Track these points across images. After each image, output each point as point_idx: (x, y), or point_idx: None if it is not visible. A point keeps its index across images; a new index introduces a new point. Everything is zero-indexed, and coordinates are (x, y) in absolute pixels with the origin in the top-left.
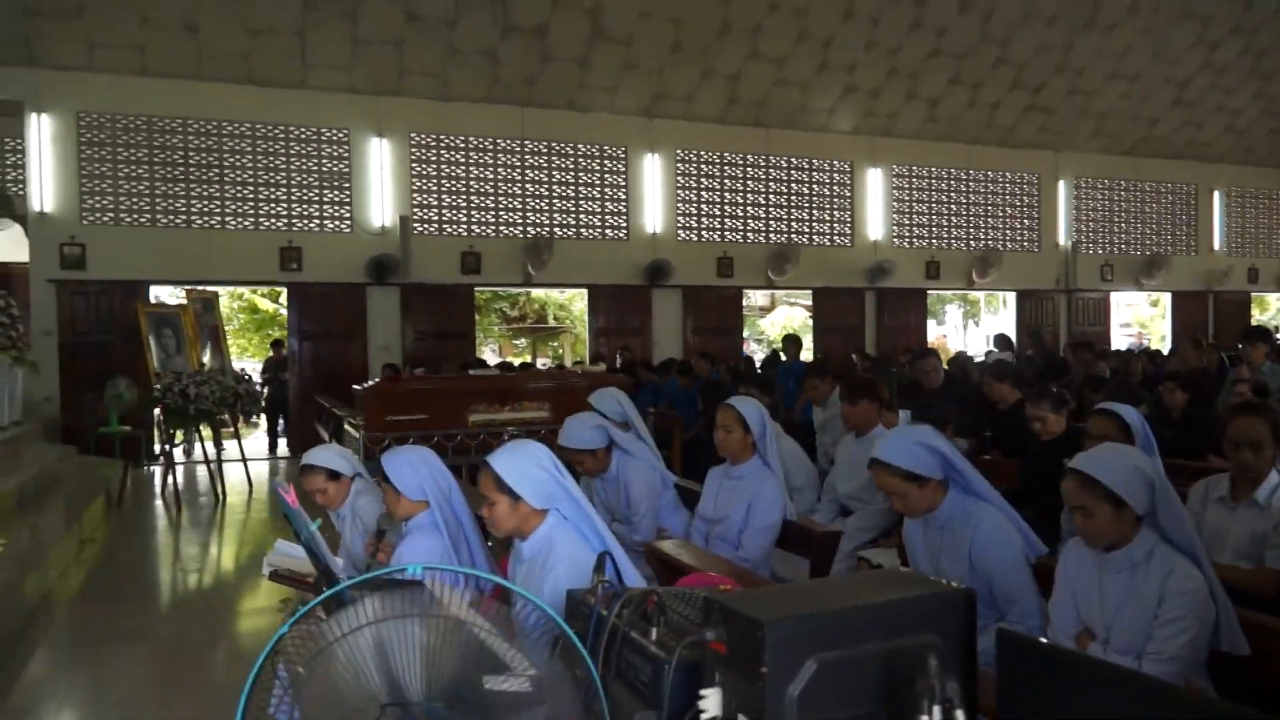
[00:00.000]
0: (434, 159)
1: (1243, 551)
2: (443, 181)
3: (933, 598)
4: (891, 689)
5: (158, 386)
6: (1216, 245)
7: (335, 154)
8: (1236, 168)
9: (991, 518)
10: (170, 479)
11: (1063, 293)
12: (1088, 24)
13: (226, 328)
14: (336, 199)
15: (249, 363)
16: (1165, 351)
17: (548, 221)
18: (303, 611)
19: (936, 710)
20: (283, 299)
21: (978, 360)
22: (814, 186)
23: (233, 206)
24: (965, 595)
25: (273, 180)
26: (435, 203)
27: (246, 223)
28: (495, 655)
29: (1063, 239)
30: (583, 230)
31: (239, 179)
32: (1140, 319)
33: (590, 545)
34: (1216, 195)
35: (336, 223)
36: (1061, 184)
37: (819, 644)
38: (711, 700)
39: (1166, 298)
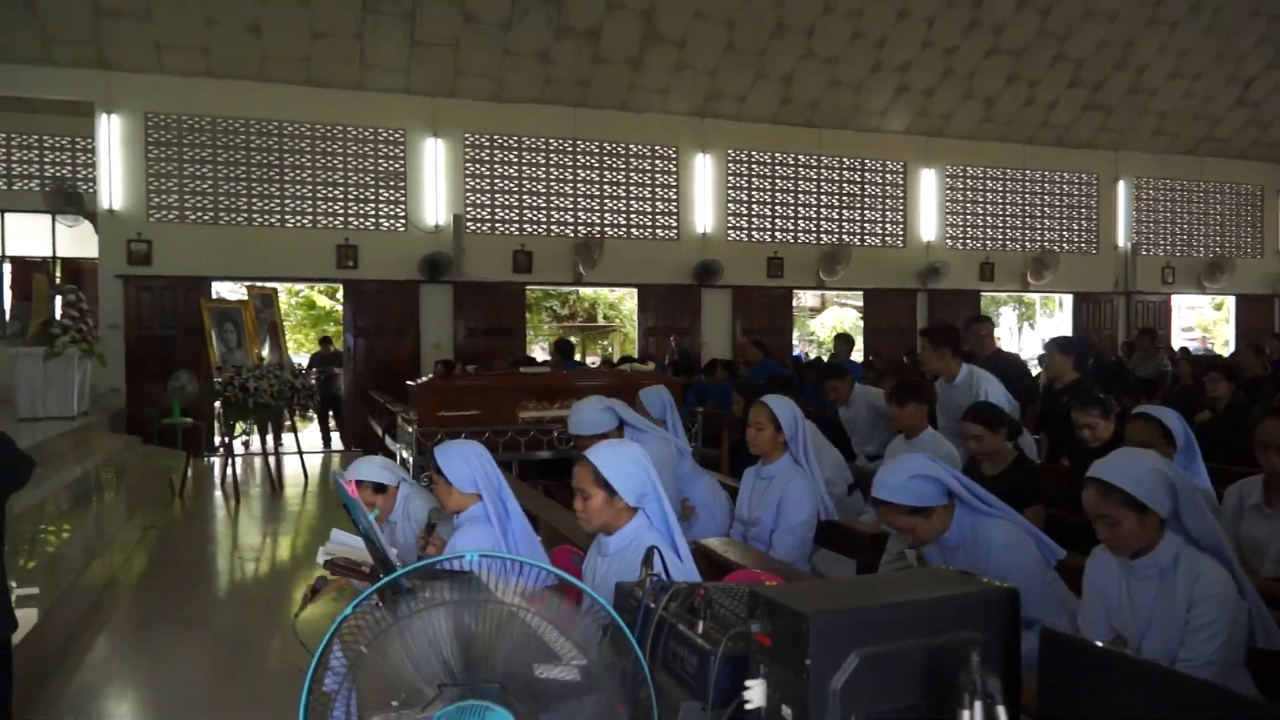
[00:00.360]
0: (487, 159)
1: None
2: (495, 181)
3: (976, 595)
4: (933, 684)
5: (218, 380)
6: None
7: (391, 154)
8: None
9: (1003, 532)
10: (229, 470)
11: (1121, 295)
12: (1149, 21)
13: (284, 323)
14: (392, 198)
15: (303, 358)
16: (1227, 356)
17: (598, 221)
18: (365, 595)
19: (978, 706)
20: (338, 295)
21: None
22: (866, 187)
23: (292, 205)
24: (1008, 594)
25: (330, 179)
26: (488, 202)
27: (305, 221)
28: (546, 644)
29: (1122, 240)
30: (633, 230)
31: (298, 178)
32: (1203, 322)
33: (680, 554)
34: None
35: (391, 221)
36: (1121, 184)
37: (862, 638)
38: (756, 691)
39: (1230, 301)
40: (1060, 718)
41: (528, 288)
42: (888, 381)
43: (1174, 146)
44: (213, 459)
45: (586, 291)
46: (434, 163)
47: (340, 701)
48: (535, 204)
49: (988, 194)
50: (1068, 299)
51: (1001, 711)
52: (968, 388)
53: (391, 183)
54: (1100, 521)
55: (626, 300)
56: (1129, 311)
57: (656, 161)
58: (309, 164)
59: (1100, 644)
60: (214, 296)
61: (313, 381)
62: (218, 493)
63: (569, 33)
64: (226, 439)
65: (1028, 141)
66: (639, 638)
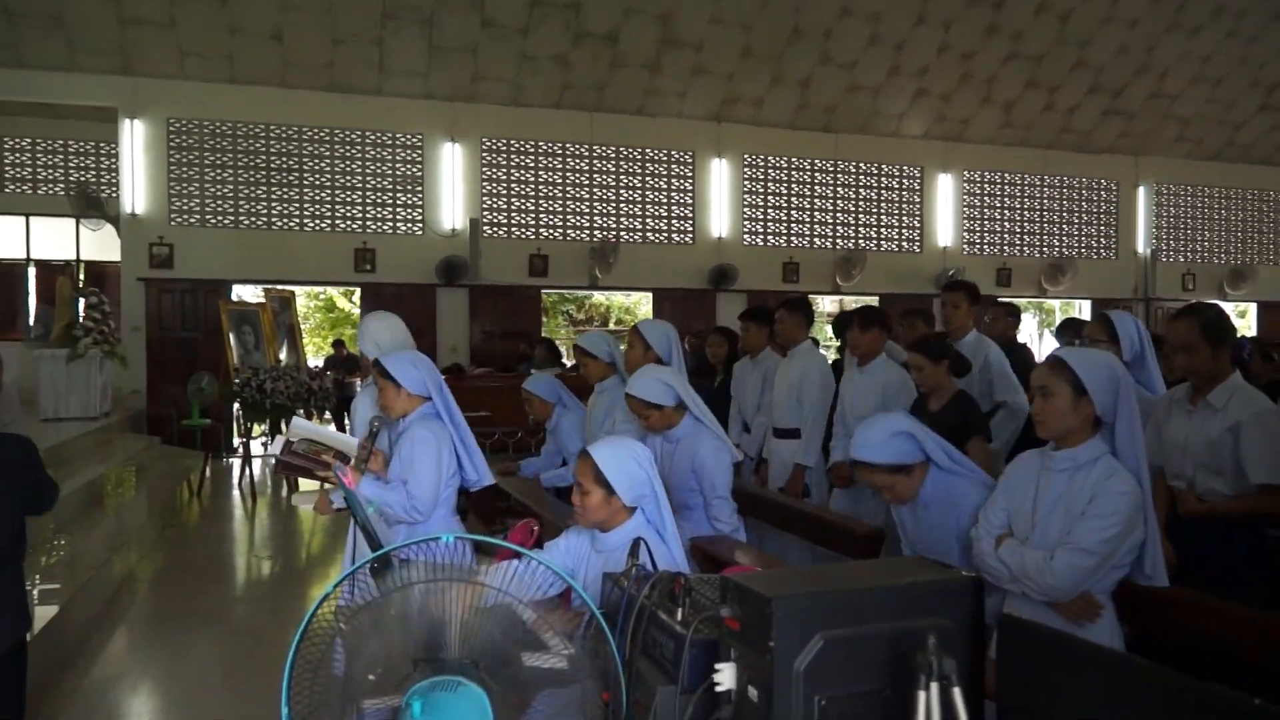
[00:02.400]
0: (504, 163)
1: (1202, 461)
2: (512, 185)
3: (939, 582)
4: (896, 668)
5: (236, 381)
6: None
7: (409, 158)
8: None
9: (976, 493)
10: (247, 471)
11: (1140, 301)
12: (1171, 26)
13: (302, 326)
14: (409, 202)
15: (321, 360)
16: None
17: (614, 225)
18: (347, 572)
19: (934, 687)
20: (356, 298)
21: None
22: (883, 192)
23: (310, 209)
24: (974, 582)
25: (349, 184)
26: (504, 206)
27: (323, 225)
28: (536, 635)
29: (1141, 246)
30: (648, 234)
31: (317, 182)
32: None
33: (671, 552)
34: None
35: (409, 225)
36: (1141, 190)
37: (827, 622)
38: (725, 674)
39: (1253, 308)
40: (1020, 701)
41: (543, 291)
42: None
43: (1196, 152)
44: (231, 460)
45: (601, 295)
46: (451, 167)
47: (324, 674)
48: (551, 208)
49: (1006, 199)
50: (1086, 305)
51: (957, 693)
52: (973, 349)
53: (409, 187)
54: (1038, 393)
55: (642, 304)
56: (1149, 318)
57: (672, 166)
58: (328, 168)
59: (986, 543)
60: (234, 299)
61: (329, 385)
62: (235, 493)
63: (587, 37)
64: (245, 439)
65: (1047, 147)
66: (622, 625)
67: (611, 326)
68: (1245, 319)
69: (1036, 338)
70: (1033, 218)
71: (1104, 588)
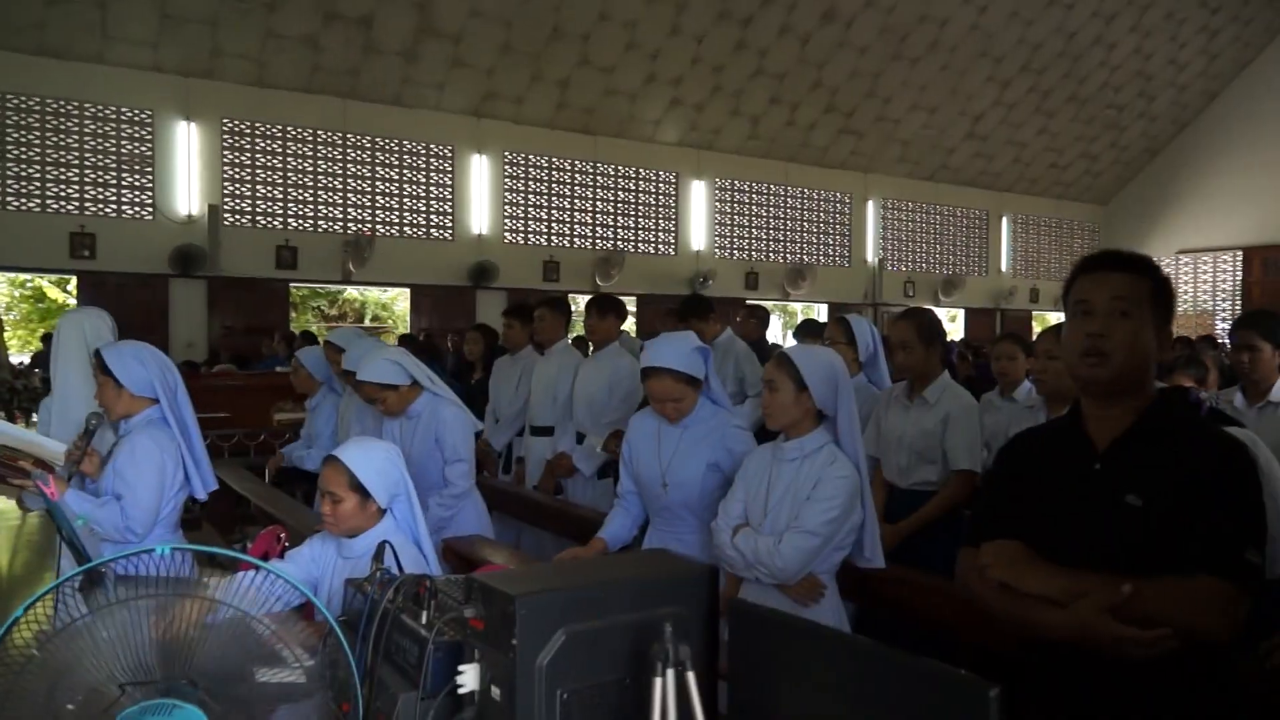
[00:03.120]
0: (248, 147)
1: (915, 447)
2: (257, 171)
3: (679, 574)
4: (636, 657)
5: None
6: (1004, 267)
7: (137, 135)
8: (1021, 197)
9: (734, 423)
10: None
11: (870, 306)
12: (894, 55)
13: (5, 317)
14: (137, 183)
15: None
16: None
17: (370, 218)
18: (41, 593)
19: (670, 673)
20: (73, 287)
21: None
22: (640, 195)
23: (15, 186)
24: (710, 571)
25: (64, 160)
26: (249, 193)
27: (32, 204)
28: (270, 648)
29: (870, 256)
30: (406, 229)
31: (24, 156)
32: None
33: (424, 555)
34: (1004, 221)
35: (137, 209)
36: (870, 204)
37: (570, 617)
38: (469, 675)
39: (961, 314)
40: (750, 681)
41: (292, 285)
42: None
43: (915, 172)
44: None
45: (356, 291)
46: (187, 148)
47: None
48: (301, 197)
49: (754, 207)
50: (824, 309)
51: (691, 678)
52: (724, 348)
53: (137, 167)
54: (767, 388)
55: (400, 301)
56: (877, 322)
57: (431, 159)
58: (39, 141)
59: (724, 531)
60: None
61: (37, 384)
62: None
63: (338, 19)
64: None
65: (789, 160)
66: (363, 632)
67: (367, 323)
68: (955, 323)
69: (782, 338)
70: (778, 225)
71: (827, 568)
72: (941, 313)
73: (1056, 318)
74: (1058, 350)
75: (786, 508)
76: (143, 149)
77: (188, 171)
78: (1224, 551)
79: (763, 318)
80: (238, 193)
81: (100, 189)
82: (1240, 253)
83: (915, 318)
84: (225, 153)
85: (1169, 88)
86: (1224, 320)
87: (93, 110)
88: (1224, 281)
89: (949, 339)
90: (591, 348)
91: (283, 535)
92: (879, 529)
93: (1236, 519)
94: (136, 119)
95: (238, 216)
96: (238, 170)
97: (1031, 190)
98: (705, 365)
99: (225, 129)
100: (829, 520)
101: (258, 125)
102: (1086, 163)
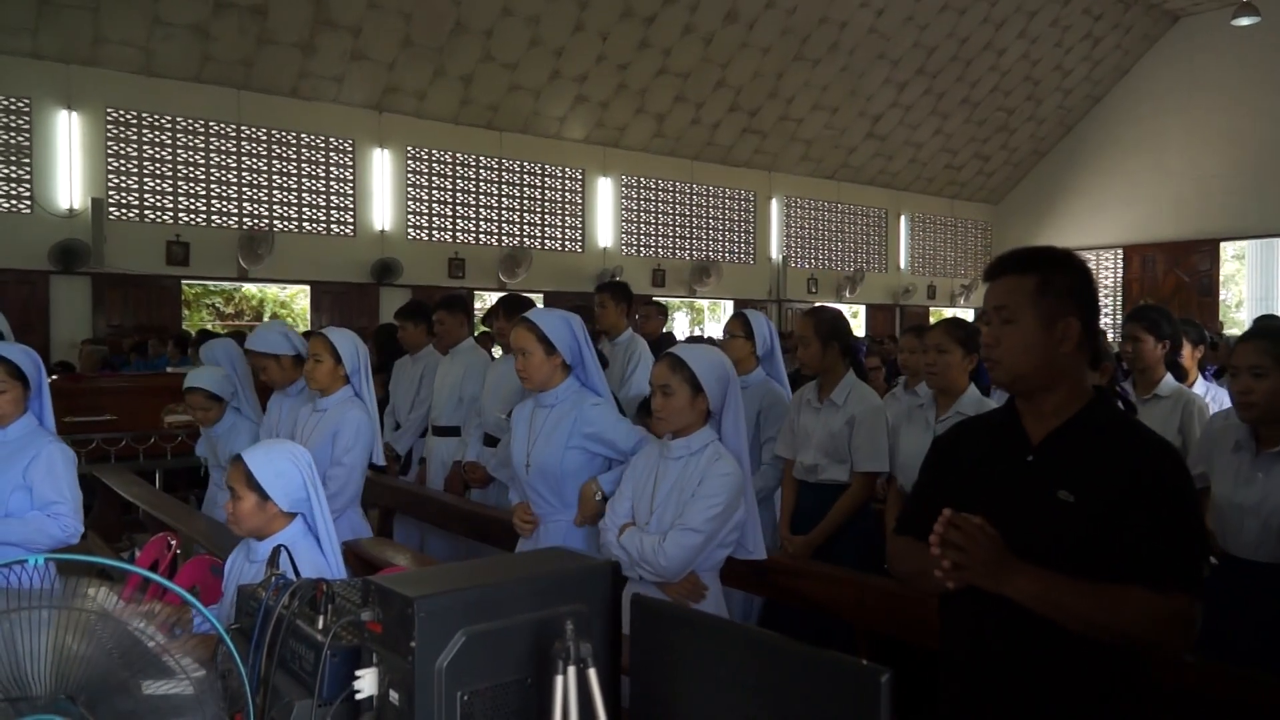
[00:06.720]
0: (135, 138)
1: (824, 448)
2: (145, 164)
3: (578, 570)
4: (538, 655)
5: None
6: (903, 264)
7: (14, 125)
8: (918, 196)
9: (591, 401)
10: None
11: (774, 303)
12: (796, 56)
13: None
14: (13, 175)
15: None
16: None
17: (266, 213)
18: None
19: (571, 670)
20: None
21: None
22: (547, 192)
23: None
24: (611, 567)
25: None
26: (136, 186)
27: None
28: (159, 660)
29: (775, 253)
30: (305, 224)
31: None
32: None
33: (328, 560)
34: (903, 219)
35: (13, 202)
36: (774, 202)
37: (470, 617)
38: (367, 680)
39: (863, 309)
40: (651, 675)
41: (184, 282)
42: None
43: (817, 171)
44: None
45: (254, 288)
46: (68, 138)
47: None
48: (193, 191)
49: (660, 204)
50: (729, 305)
51: (593, 674)
52: (626, 346)
53: (13, 158)
54: (659, 392)
55: (300, 298)
56: (781, 318)
57: (331, 154)
58: None
59: (612, 531)
60: None
61: None
62: None
63: (230, 8)
64: None
65: (694, 158)
66: (257, 639)
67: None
68: (858, 319)
69: (688, 334)
70: (684, 223)
71: (710, 566)
72: (845, 309)
73: (952, 314)
74: (948, 344)
75: (672, 506)
76: (20, 139)
77: (69, 163)
78: (1188, 568)
79: (665, 313)
80: (124, 185)
81: None
82: (1121, 250)
83: (814, 315)
84: (110, 143)
85: (1055, 92)
86: (1107, 315)
87: None
88: (1106, 278)
89: (856, 338)
90: (499, 350)
91: (173, 542)
92: (760, 523)
93: (1191, 532)
94: (13, 108)
95: (124, 210)
96: (124, 162)
97: (928, 190)
98: (579, 348)
99: (110, 119)
100: (711, 518)
101: (145, 115)
102: (979, 163)
